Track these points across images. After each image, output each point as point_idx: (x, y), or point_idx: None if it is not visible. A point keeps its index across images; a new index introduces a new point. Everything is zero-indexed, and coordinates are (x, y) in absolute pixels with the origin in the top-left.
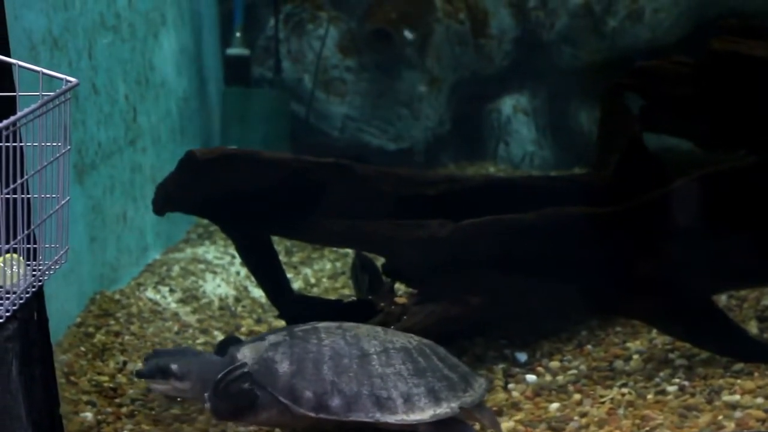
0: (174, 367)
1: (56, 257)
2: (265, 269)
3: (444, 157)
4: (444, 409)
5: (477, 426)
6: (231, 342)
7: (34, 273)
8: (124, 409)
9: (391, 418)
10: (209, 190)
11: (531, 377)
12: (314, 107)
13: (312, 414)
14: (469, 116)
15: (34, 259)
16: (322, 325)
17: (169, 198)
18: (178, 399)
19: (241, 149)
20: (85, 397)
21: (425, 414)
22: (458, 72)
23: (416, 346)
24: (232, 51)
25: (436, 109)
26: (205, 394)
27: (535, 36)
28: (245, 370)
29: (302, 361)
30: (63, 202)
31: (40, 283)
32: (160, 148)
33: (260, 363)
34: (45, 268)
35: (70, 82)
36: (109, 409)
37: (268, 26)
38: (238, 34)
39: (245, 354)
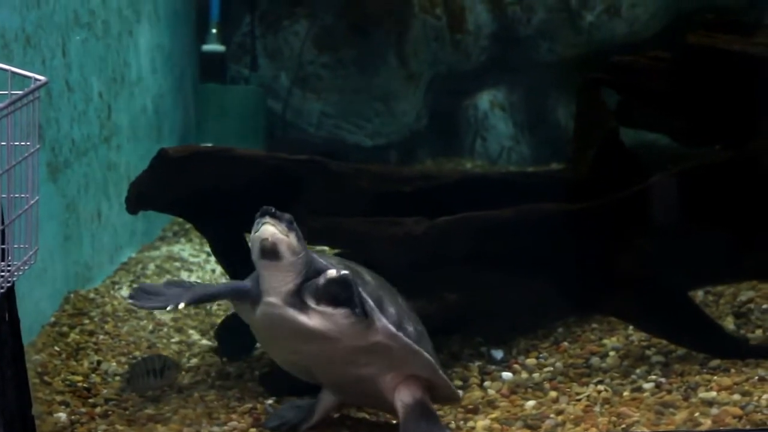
0: (295, 225)
1: (26, 257)
2: (240, 267)
3: (421, 152)
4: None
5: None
6: None
7: (2, 273)
8: (98, 409)
9: (439, 371)
10: (182, 188)
11: (507, 375)
12: (290, 104)
13: (392, 329)
14: (446, 112)
15: (3, 260)
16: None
17: (143, 196)
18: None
19: (215, 146)
20: (58, 398)
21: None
22: (435, 67)
23: None
24: (208, 47)
25: (413, 104)
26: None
27: (511, 31)
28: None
29: (381, 286)
30: (32, 201)
31: (9, 284)
32: (136, 146)
33: (348, 269)
34: (14, 268)
35: (39, 80)
36: (83, 410)
37: (244, 23)
38: (213, 31)
39: (328, 260)
